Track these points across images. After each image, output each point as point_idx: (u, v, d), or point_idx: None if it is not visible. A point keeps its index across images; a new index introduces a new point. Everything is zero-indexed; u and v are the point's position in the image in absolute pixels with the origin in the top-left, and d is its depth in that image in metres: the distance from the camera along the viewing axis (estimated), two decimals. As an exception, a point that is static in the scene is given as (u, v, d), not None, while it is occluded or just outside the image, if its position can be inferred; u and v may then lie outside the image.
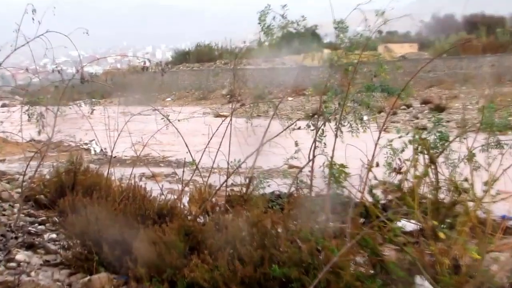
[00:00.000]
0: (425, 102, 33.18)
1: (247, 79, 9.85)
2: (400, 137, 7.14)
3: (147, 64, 10.55)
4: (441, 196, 7.18)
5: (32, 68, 8.89)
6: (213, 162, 8.12)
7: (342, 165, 5.34)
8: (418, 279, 4.82)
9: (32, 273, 6.35)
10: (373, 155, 6.62)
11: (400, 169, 7.38)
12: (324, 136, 7.00)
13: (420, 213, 5.51)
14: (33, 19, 6.75)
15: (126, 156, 15.38)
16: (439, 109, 28.59)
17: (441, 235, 4.84)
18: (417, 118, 27.72)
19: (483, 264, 5.01)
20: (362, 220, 6.22)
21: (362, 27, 6.85)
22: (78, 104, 11.89)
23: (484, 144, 7.00)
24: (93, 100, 9.79)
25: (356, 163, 6.87)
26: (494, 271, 5.10)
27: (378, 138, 6.78)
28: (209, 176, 8.59)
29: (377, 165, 7.34)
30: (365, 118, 7.12)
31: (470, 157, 6.63)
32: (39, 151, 9.61)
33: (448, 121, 20.79)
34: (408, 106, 30.77)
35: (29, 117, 8.94)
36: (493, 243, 5.47)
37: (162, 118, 8.81)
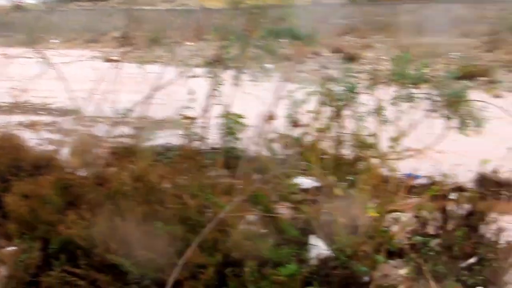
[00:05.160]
0: (336, 51, 33.50)
1: (144, 21, 9.67)
2: (303, 88, 7.19)
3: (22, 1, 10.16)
4: (345, 152, 7.28)
5: None
6: (99, 111, 7.99)
7: (237, 115, 5.33)
8: (313, 239, 4.94)
9: None
10: (273, 106, 6.64)
11: (299, 122, 7.44)
12: (223, 85, 7.00)
13: (320, 169, 5.59)
14: None
15: (3, 102, 14.95)
16: (351, 58, 29.02)
17: (338, 192, 4.95)
18: (326, 68, 28.03)
19: (382, 224, 5.18)
20: (258, 176, 6.27)
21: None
22: None
23: (394, 97, 7.13)
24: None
25: (257, 115, 6.91)
26: (394, 231, 5.29)
27: (280, 88, 6.80)
28: (94, 126, 8.45)
29: (274, 117, 7.37)
30: (270, 66, 7.13)
31: (378, 110, 6.72)
32: None
33: (359, 72, 21.12)
34: (318, 54, 31.02)
35: None
36: (395, 202, 5.63)
37: (43, 60, 8.55)
